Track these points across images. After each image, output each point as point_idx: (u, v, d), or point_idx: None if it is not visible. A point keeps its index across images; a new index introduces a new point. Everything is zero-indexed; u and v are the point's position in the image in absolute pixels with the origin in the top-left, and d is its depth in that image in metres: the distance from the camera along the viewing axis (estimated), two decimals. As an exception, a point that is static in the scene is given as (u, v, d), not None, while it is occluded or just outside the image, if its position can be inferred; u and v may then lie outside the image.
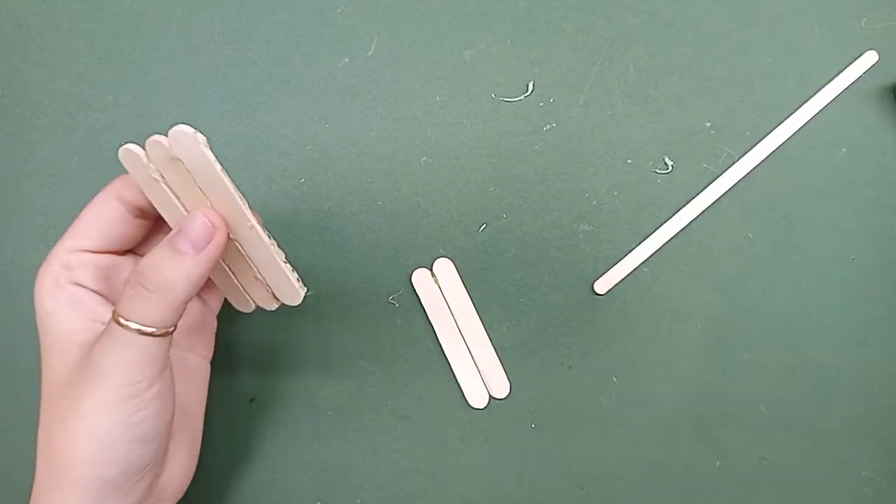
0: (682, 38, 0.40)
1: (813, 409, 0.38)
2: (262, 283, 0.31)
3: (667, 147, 0.39)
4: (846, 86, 0.40)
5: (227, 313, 0.38)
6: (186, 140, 0.26)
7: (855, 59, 0.40)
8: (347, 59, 0.40)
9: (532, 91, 0.40)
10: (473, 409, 0.38)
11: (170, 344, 0.27)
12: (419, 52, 0.40)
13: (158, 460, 0.28)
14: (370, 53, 0.40)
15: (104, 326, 0.27)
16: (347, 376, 0.38)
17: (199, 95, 0.40)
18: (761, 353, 0.38)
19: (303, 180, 0.39)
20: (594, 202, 0.39)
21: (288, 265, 0.30)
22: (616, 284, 0.38)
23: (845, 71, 0.40)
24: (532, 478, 0.37)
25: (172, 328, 0.27)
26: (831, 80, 0.40)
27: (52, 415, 0.27)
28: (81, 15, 0.41)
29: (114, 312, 0.26)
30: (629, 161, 0.39)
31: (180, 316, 0.27)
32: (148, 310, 0.26)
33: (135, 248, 0.31)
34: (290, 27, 0.40)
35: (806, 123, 0.39)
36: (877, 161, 0.39)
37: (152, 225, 0.31)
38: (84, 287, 0.29)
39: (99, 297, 0.29)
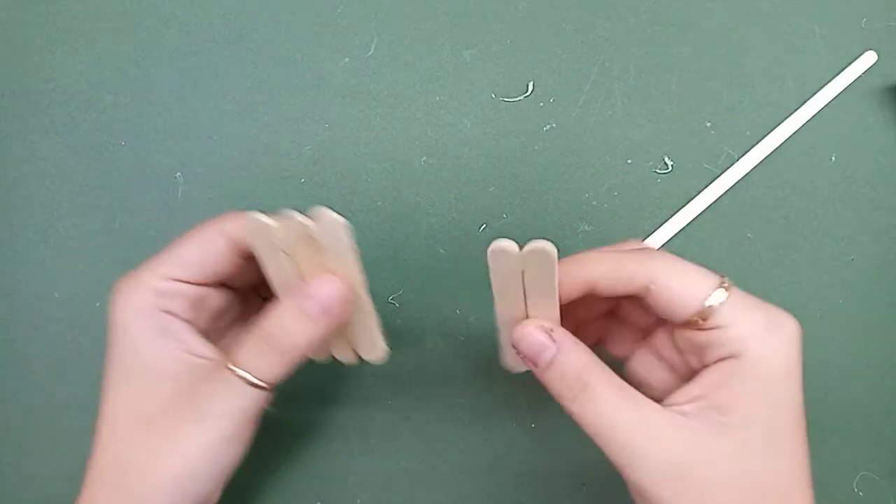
0: (682, 38, 0.40)
1: (812, 408, 0.38)
2: (349, 340, 0.31)
3: (667, 147, 0.39)
4: (846, 86, 0.40)
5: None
6: (337, 229, 0.26)
7: (854, 60, 0.40)
8: (347, 59, 0.40)
9: (532, 91, 0.40)
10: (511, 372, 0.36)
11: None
12: (419, 52, 0.40)
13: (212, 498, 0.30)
14: (370, 53, 0.40)
15: (195, 359, 0.28)
16: (347, 376, 0.38)
17: (199, 95, 0.40)
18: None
19: (303, 180, 0.39)
20: (594, 202, 0.39)
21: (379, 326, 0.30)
22: (616, 284, 0.38)
23: (845, 71, 0.40)
24: (532, 478, 0.37)
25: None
26: (831, 80, 0.40)
27: (133, 441, 0.27)
28: (81, 15, 0.41)
29: (230, 360, 0.27)
30: (629, 161, 0.39)
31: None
32: (266, 365, 0.27)
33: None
34: (290, 27, 0.40)
35: (806, 123, 0.39)
36: (876, 161, 0.39)
37: (248, 264, 0.30)
38: (176, 316, 0.29)
39: (189, 327, 0.29)
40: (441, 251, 0.38)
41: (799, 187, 0.39)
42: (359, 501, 0.37)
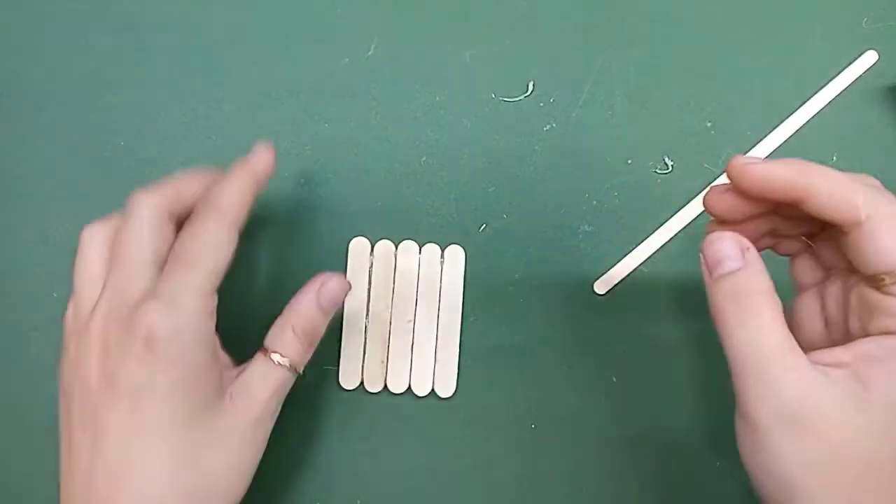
0: (682, 38, 0.40)
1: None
2: (383, 365, 0.37)
3: (667, 147, 0.39)
4: (846, 86, 0.40)
5: (228, 314, 0.38)
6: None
7: (855, 59, 0.40)
8: (347, 60, 0.40)
9: (532, 91, 0.40)
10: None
11: None
12: (419, 53, 0.40)
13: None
14: (370, 53, 0.40)
15: (225, 372, 0.30)
16: (347, 376, 0.38)
17: (199, 95, 0.40)
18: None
19: (303, 180, 0.39)
20: (594, 202, 0.39)
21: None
22: (616, 284, 0.38)
23: (845, 71, 0.40)
24: (532, 478, 0.37)
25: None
26: (831, 79, 0.40)
27: (193, 436, 0.27)
28: (81, 15, 0.41)
29: (265, 348, 0.31)
30: (629, 161, 0.39)
31: None
32: (298, 351, 0.31)
33: None
34: (290, 27, 0.40)
35: (806, 123, 0.39)
36: (877, 161, 0.39)
37: None
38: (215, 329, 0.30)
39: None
40: (441, 251, 0.39)
41: (799, 187, 0.39)
42: (359, 501, 0.37)
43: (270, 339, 0.31)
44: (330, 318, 0.32)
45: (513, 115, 0.40)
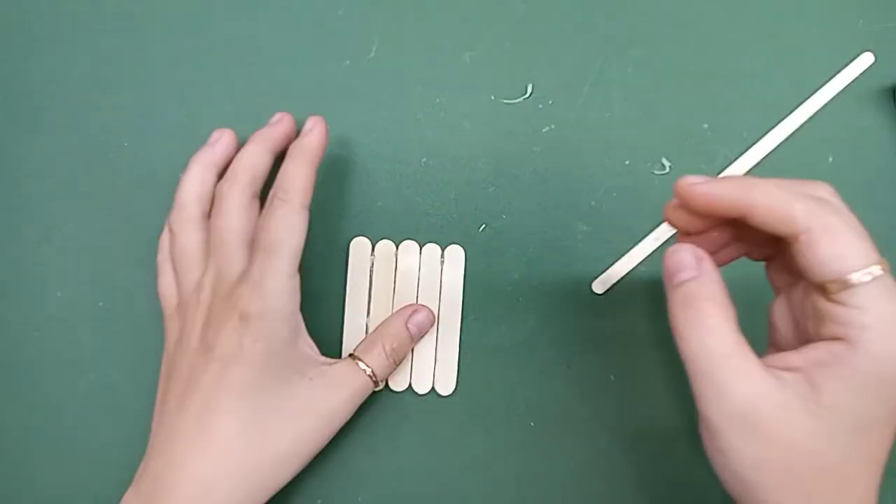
0: (680, 40, 0.41)
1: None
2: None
3: (664, 148, 0.40)
4: (843, 87, 0.40)
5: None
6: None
7: (852, 61, 0.40)
8: (348, 61, 0.40)
9: (531, 93, 0.40)
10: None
11: None
12: (419, 55, 0.40)
13: None
14: (371, 55, 0.40)
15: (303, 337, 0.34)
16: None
17: (199, 97, 0.40)
18: (761, 352, 0.38)
19: (303, 181, 0.39)
20: (593, 203, 0.39)
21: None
22: (614, 284, 0.39)
23: (842, 72, 0.40)
24: (532, 478, 0.38)
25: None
26: (828, 81, 0.40)
27: (267, 403, 0.31)
28: (81, 15, 0.41)
29: (353, 355, 0.35)
30: (627, 162, 0.40)
31: None
32: (382, 365, 0.35)
33: None
34: (291, 29, 0.41)
35: (803, 124, 0.40)
36: (874, 162, 0.40)
37: None
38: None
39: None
40: (441, 251, 0.39)
41: (796, 188, 0.39)
42: (359, 500, 0.37)
43: (361, 350, 0.35)
44: (415, 343, 0.37)
45: (512, 117, 0.40)
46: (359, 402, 0.34)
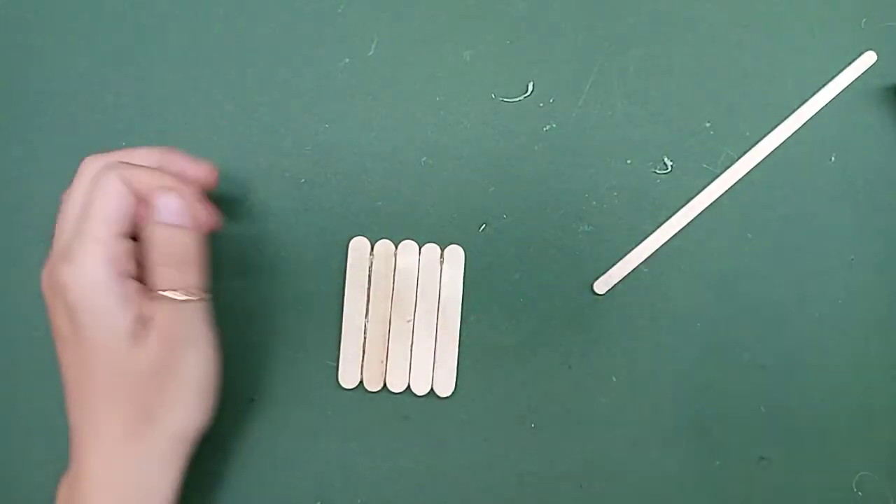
0: (682, 38, 0.40)
1: (812, 408, 0.38)
2: (383, 365, 0.37)
3: (666, 147, 0.40)
4: (845, 86, 0.40)
5: (229, 314, 0.38)
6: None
7: (854, 60, 0.40)
8: (348, 60, 0.40)
9: (532, 91, 0.40)
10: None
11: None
12: (419, 53, 0.40)
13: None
14: (370, 53, 0.40)
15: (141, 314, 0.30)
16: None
17: (199, 95, 0.40)
18: (761, 353, 0.38)
19: (303, 180, 0.39)
20: (594, 202, 0.39)
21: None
22: (616, 284, 0.38)
23: (844, 71, 0.40)
24: (532, 478, 0.37)
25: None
26: (830, 80, 0.40)
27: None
28: (81, 15, 0.41)
29: (158, 290, 0.30)
30: (629, 161, 0.39)
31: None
32: (193, 278, 0.31)
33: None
34: (291, 27, 0.40)
35: (805, 124, 0.39)
36: (876, 161, 0.39)
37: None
38: (132, 278, 0.30)
39: (140, 285, 0.31)
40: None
41: (799, 187, 0.39)
42: (359, 501, 0.37)
43: (162, 277, 0.31)
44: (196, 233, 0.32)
45: (513, 116, 0.40)
46: (207, 321, 0.32)
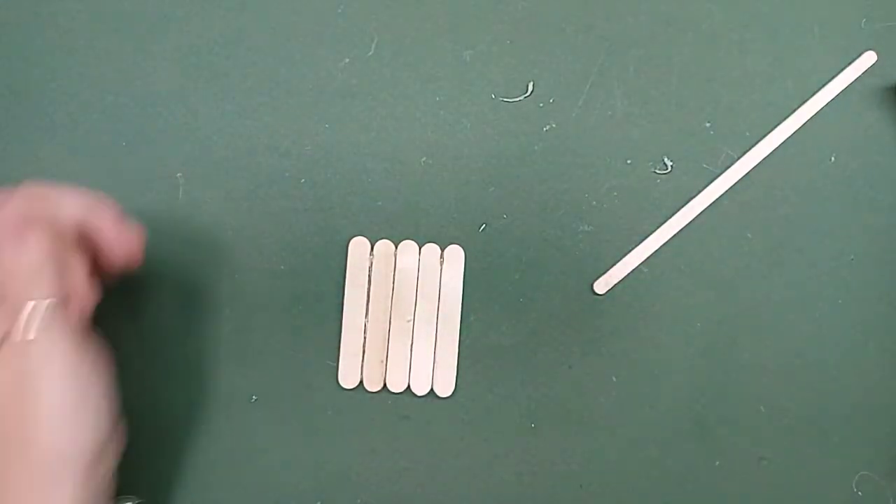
0: (682, 38, 0.40)
1: (812, 409, 0.38)
2: (382, 365, 0.37)
3: (666, 147, 0.39)
4: (845, 86, 0.40)
5: (229, 314, 0.38)
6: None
7: (854, 60, 0.40)
8: (348, 60, 0.40)
9: (532, 91, 0.40)
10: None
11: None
12: (419, 53, 0.40)
13: None
14: (370, 54, 0.40)
15: None
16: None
17: (199, 95, 0.40)
18: (761, 353, 0.38)
19: (303, 180, 0.39)
20: (594, 202, 0.39)
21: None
22: (616, 284, 0.38)
23: (844, 71, 0.40)
24: (532, 478, 0.37)
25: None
26: (830, 80, 0.40)
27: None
28: (81, 15, 0.41)
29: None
30: (629, 161, 0.39)
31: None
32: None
33: None
34: (291, 27, 0.40)
35: (805, 124, 0.39)
36: (876, 161, 0.39)
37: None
38: None
39: None
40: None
41: (799, 187, 0.39)
42: (359, 501, 0.37)
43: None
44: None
45: (513, 116, 0.40)
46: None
